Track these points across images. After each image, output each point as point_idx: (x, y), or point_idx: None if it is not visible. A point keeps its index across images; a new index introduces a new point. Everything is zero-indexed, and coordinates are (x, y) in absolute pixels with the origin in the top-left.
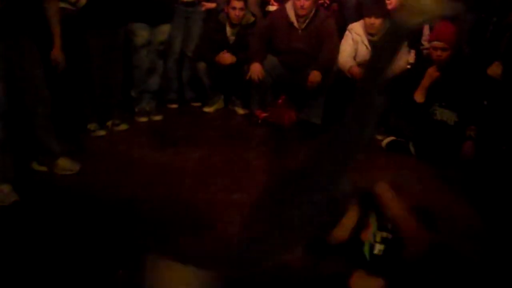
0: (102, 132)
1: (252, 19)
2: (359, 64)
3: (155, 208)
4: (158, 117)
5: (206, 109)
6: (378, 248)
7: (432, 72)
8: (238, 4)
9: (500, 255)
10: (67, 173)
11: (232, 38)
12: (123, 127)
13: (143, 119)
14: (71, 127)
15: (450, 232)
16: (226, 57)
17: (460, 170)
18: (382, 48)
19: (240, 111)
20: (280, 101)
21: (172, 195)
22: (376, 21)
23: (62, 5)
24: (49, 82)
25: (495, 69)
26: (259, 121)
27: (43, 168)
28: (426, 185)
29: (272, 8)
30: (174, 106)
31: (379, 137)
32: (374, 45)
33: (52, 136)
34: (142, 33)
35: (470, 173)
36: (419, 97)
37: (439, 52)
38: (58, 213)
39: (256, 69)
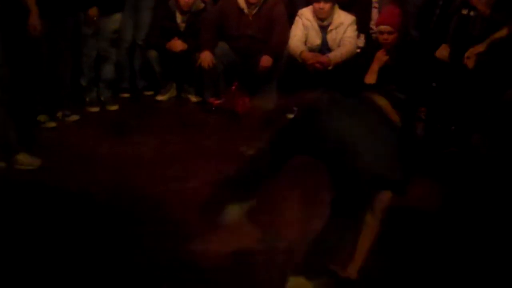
0: (52, 124)
1: (202, 5)
2: (310, 49)
3: (111, 199)
4: (114, 107)
5: (159, 98)
6: None
7: (380, 56)
8: None
9: (451, 233)
10: (28, 168)
11: (182, 25)
12: (74, 117)
13: (95, 109)
14: (20, 119)
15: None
16: (177, 44)
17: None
18: None
19: (193, 98)
20: (233, 87)
21: (128, 185)
22: (325, 6)
23: None
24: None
25: (443, 52)
26: (213, 108)
27: (2, 164)
28: None
29: None
30: (127, 95)
31: None
32: None
33: (11, 129)
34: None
35: (421, 153)
36: (369, 80)
37: (385, 36)
38: (16, 208)
39: (206, 57)
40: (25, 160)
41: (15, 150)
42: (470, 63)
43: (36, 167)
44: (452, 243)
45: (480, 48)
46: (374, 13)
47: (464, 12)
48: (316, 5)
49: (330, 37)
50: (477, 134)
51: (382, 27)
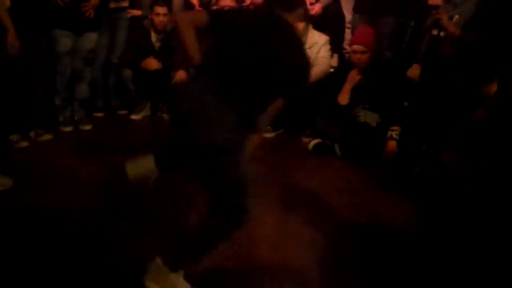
0: (24, 143)
1: None
2: None
3: (83, 218)
4: (87, 127)
5: (133, 117)
6: None
7: (354, 75)
8: (162, 10)
9: (424, 250)
10: (0, 189)
11: (157, 44)
12: (47, 137)
13: (68, 129)
14: None
15: (375, 227)
16: (152, 63)
17: (383, 170)
18: None
19: (167, 117)
20: None
21: (101, 205)
22: (299, 25)
23: None
24: None
25: (414, 71)
26: None
27: None
28: (352, 185)
29: None
30: (100, 114)
31: (306, 140)
32: None
33: None
34: (64, 40)
35: (393, 172)
36: (342, 99)
37: (358, 55)
38: None
39: (181, 76)
40: None
41: None
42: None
43: (8, 187)
44: (424, 261)
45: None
46: (348, 33)
47: (435, 33)
48: None
49: None
50: (446, 153)
51: (355, 47)
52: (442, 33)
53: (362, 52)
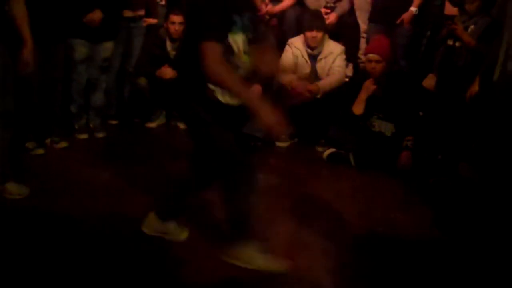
0: (40, 151)
1: None
2: (299, 78)
3: (98, 225)
4: (103, 134)
5: (148, 125)
6: None
7: (368, 85)
8: (177, 19)
9: (440, 260)
10: (16, 197)
11: (172, 53)
12: (63, 144)
13: (83, 136)
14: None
15: (390, 238)
16: (167, 72)
17: (398, 180)
18: None
19: (182, 126)
20: None
21: (116, 212)
22: (318, 34)
23: None
24: None
25: (429, 81)
26: None
27: None
28: (366, 195)
29: None
30: (115, 122)
31: (320, 149)
32: None
33: (7, 157)
34: (80, 48)
35: (408, 182)
36: (357, 109)
37: (373, 64)
38: (4, 237)
39: None
40: (14, 189)
41: (5, 178)
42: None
43: (25, 195)
44: (440, 271)
45: (475, 88)
46: (363, 43)
47: (450, 43)
48: (309, 34)
49: (319, 66)
50: (463, 163)
51: (371, 56)
52: (457, 43)
53: (377, 62)
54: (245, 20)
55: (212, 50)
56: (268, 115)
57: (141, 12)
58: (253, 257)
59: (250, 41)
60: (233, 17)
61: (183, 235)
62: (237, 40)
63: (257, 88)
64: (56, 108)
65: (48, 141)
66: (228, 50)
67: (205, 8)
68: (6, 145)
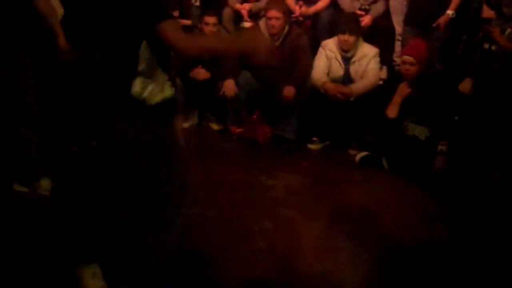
0: (75, 148)
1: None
2: (332, 80)
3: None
4: None
5: (181, 125)
6: None
7: (403, 88)
8: (211, 20)
9: (472, 264)
10: (50, 193)
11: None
12: (73, 148)
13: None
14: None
15: (421, 245)
16: (201, 73)
17: (432, 184)
18: None
19: (215, 126)
20: (254, 116)
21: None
22: (350, 38)
23: None
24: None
25: (465, 86)
26: (234, 137)
27: (25, 189)
28: (399, 199)
29: (246, 24)
30: None
31: (353, 152)
32: None
33: (36, 155)
34: None
35: (442, 187)
36: (391, 112)
37: (407, 66)
38: (38, 233)
39: (230, 86)
40: (48, 185)
41: (38, 175)
42: None
43: (59, 192)
44: (472, 281)
45: None
46: (397, 46)
47: (486, 46)
48: (341, 37)
49: (353, 68)
50: (499, 170)
51: (406, 58)
52: (493, 47)
53: (412, 64)
54: None
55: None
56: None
57: (175, 13)
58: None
59: None
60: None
61: None
62: None
63: (290, 90)
64: (89, 107)
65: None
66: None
67: None
68: (36, 145)
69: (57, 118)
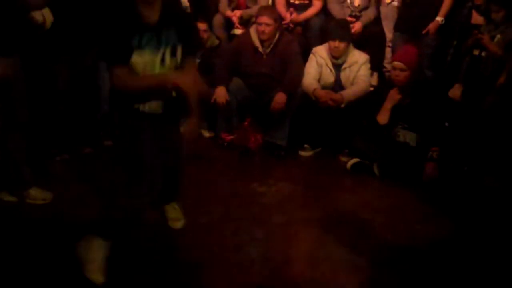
0: (66, 156)
1: (217, 42)
2: (323, 87)
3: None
4: None
5: None
6: None
7: (393, 94)
8: (202, 27)
9: (464, 269)
10: (39, 202)
11: (197, 61)
12: (88, 150)
13: (109, 143)
14: (35, 152)
15: (413, 250)
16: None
17: (423, 191)
18: None
19: (206, 134)
20: (246, 123)
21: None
22: (340, 45)
23: None
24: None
25: (455, 92)
26: (225, 144)
27: (13, 199)
28: (390, 206)
29: (237, 31)
30: None
31: (344, 159)
32: None
33: (24, 164)
34: None
35: (433, 193)
36: (382, 119)
37: (397, 72)
38: (28, 243)
39: (221, 93)
40: (37, 195)
41: (27, 184)
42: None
43: (48, 201)
44: (465, 284)
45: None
46: (388, 52)
47: (476, 52)
48: (332, 43)
49: (343, 75)
50: (489, 176)
51: (396, 63)
52: (483, 53)
53: (402, 70)
54: (166, 35)
55: (115, 74)
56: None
57: None
58: (92, 259)
59: (175, 52)
60: (131, 40)
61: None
62: (147, 58)
63: (281, 97)
64: (82, 115)
65: (74, 147)
66: (132, 71)
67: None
68: (23, 153)
69: (45, 125)
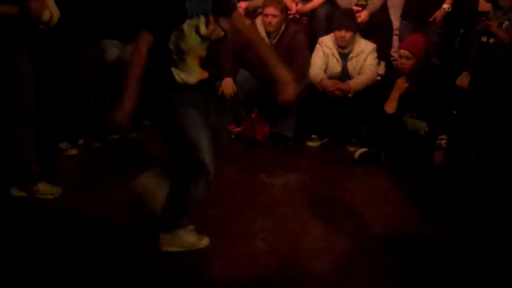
0: (74, 151)
1: (223, 33)
2: (330, 77)
3: (131, 226)
4: (134, 134)
5: None
6: None
7: (401, 83)
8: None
9: (474, 258)
10: (48, 197)
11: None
12: (96, 145)
13: (116, 137)
14: (43, 147)
15: (422, 238)
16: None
17: (431, 179)
18: None
19: None
20: (253, 115)
21: (145, 215)
22: (346, 34)
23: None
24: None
25: (463, 80)
26: (233, 136)
27: (23, 194)
28: (398, 195)
29: None
30: (147, 122)
31: (352, 149)
32: None
33: (34, 159)
34: (112, 49)
35: (442, 182)
36: (389, 108)
37: (403, 60)
38: (38, 238)
39: (228, 85)
40: (46, 189)
41: (36, 179)
42: None
43: (57, 195)
44: (474, 274)
45: None
46: (395, 41)
47: (484, 39)
48: (338, 33)
49: (350, 64)
50: (499, 163)
51: (402, 51)
52: (491, 40)
53: (407, 58)
54: (201, 2)
55: (139, 39)
56: (122, 108)
57: None
58: (185, 239)
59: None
60: (183, 7)
61: (204, 241)
62: (191, 25)
63: None
64: (89, 109)
65: (81, 141)
66: (180, 36)
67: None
68: (32, 147)
69: (53, 121)
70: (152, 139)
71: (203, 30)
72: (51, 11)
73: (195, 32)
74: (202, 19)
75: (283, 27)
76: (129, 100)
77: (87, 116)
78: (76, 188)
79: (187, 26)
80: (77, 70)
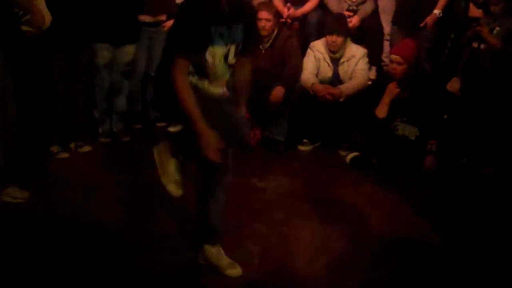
0: (65, 155)
1: None
2: (321, 81)
3: (121, 230)
4: (126, 138)
5: (171, 129)
6: None
7: (392, 88)
8: None
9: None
10: (17, 201)
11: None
12: (87, 148)
13: (107, 140)
14: (33, 150)
15: (413, 242)
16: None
17: (422, 183)
18: None
19: None
20: None
21: (138, 216)
22: (338, 39)
23: (25, 28)
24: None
25: (454, 85)
26: None
27: None
28: (389, 199)
29: None
30: (138, 126)
31: (343, 153)
32: None
33: (6, 162)
34: (103, 53)
35: (432, 186)
36: (380, 113)
37: (394, 65)
38: (30, 241)
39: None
40: (15, 193)
41: (5, 182)
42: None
43: (25, 200)
44: (465, 277)
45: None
46: (386, 46)
47: (475, 45)
48: (329, 38)
49: (341, 69)
50: (488, 168)
51: (393, 56)
52: (482, 46)
53: (398, 63)
54: (235, 31)
55: (177, 64)
56: (207, 139)
57: (162, 17)
58: (220, 258)
59: (239, 51)
60: (211, 32)
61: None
62: (216, 53)
63: (279, 90)
64: (80, 113)
65: (72, 145)
66: (203, 63)
67: (179, 24)
68: (7, 150)
69: (43, 124)
70: (142, 143)
71: (231, 59)
72: (43, 16)
73: (223, 60)
74: (233, 48)
75: (275, 32)
76: (204, 129)
77: (78, 119)
78: (67, 191)
79: (211, 53)
80: (68, 74)
